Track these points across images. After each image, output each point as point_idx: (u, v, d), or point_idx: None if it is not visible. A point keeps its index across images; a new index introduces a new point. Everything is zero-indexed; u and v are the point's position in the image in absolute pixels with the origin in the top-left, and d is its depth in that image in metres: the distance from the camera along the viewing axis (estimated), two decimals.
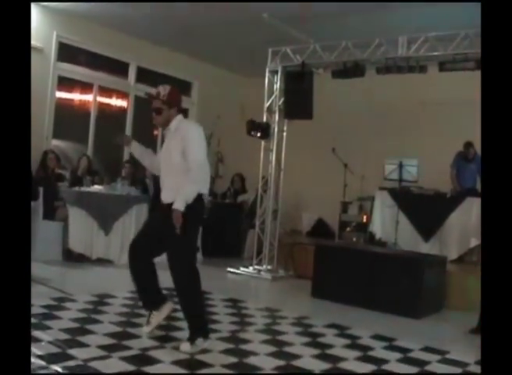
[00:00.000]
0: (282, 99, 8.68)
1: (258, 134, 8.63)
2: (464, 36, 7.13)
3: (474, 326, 5.45)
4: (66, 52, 9.64)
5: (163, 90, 4.36)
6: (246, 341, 4.64)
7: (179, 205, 4.08)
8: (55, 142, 9.57)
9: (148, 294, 4.57)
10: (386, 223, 8.55)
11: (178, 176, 4.20)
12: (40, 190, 7.56)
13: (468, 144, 8.44)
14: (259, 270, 8.38)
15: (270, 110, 8.80)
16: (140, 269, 4.47)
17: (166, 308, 4.57)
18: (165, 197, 4.35)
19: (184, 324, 4.48)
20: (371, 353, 4.66)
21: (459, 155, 8.71)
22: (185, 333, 4.43)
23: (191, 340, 4.21)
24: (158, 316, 4.55)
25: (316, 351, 4.54)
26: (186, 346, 4.19)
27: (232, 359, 4.13)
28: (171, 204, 4.15)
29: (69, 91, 9.96)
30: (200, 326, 4.30)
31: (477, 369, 4.32)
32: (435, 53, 7.43)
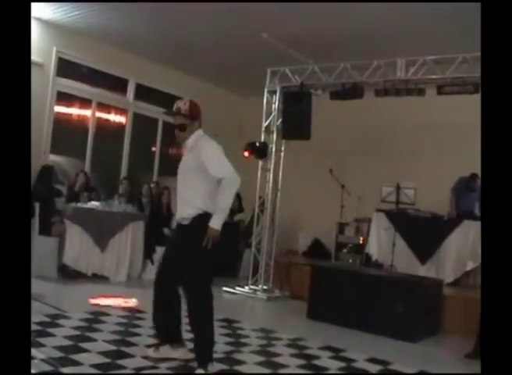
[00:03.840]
0: (280, 119, 8.70)
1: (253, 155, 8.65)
2: (462, 60, 7.17)
3: (470, 350, 5.42)
4: (66, 68, 9.65)
5: (183, 104, 4.30)
6: (240, 363, 4.60)
7: (216, 224, 4.06)
8: (53, 157, 9.54)
9: (168, 324, 4.42)
10: (383, 245, 8.54)
11: (190, 192, 4.20)
12: (37, 205, 7.53)
13: (474, 176, 8.34)
14: (255, 290, 8.34)
15: (268, 130, 8.81)
16: (165, 299, 4.34)
17: (180, 352, 4.42)
18: (179, 213, 4.30)
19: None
20: None
21: (461, 181, 8.62)
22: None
23: (203, 365, 4.06)
24: (169, 352, 4.39)
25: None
26: (200, 372, 4.03)
27: None
28: (184, 222, 4.19)
29: (68, 106, 9.96)
30: (210, 351, 4.17)
31: None
32: (434, 76, 7.47)
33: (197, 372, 4.03)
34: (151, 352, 4.42)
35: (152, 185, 9.74)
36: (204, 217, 4.12)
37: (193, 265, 4.15)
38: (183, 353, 4.40)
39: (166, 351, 4.39)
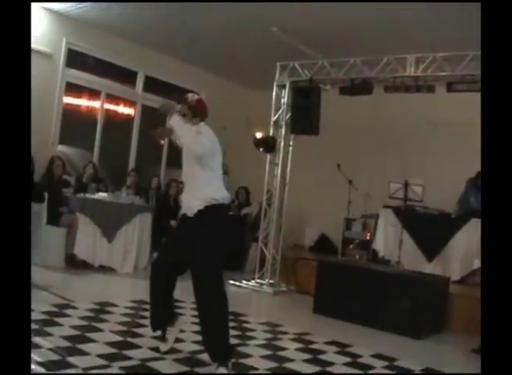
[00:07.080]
0: (289, 114, 8.69)
1: (261, 148, 8.69)
2: (472, 57, 7.12)
3: (476, 346, 5.38)
4: (75, 59, 9.65)
5: (191, 96, 4.42)
6: (246, 356, 4.61)
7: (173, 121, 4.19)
8: (61, 148, 9.56)
9: (164, 311, 4.41)
10: (390, 241, 8.52)
11: (197, 183, 4.22)
12: (45, 195, 7.55)
13: (480, 174, 8.30)
14: (261, 284, 8.35)
15: (277, 124, 8.80)
16: (162, 287, 4.34)
17: (181, 322, 4.54)
18: (186, 206, 4.32)
19: (185, 336, 4.46)
20: (371, 372, 4.63)
21: (470, 182, 8.56)
22: (185, 345, 4.43)
23: (224, 363, 3.94)
24: (174, 332, 4.44)
25: (316, 369, 4.51)
26: (222, 370, 3.91)
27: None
28: (194, 215, 4.18)
29: (77, 97, 9.97)
30: (225, 350, 4.05)
31: None
32: (443, 73, 7.44)
33: (219, 372, 3.91)
34: (162, 347, 4.39)
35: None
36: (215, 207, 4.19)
37: (203, 262, 4.12)
38: (182, 322, 4.58)
39: (172, 334, 4.42)
